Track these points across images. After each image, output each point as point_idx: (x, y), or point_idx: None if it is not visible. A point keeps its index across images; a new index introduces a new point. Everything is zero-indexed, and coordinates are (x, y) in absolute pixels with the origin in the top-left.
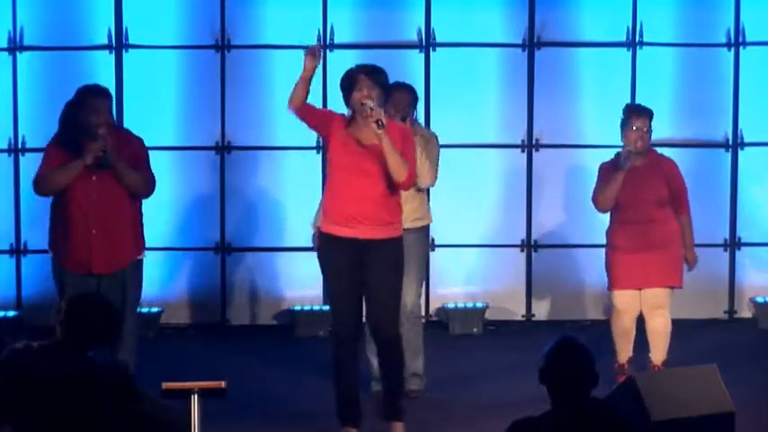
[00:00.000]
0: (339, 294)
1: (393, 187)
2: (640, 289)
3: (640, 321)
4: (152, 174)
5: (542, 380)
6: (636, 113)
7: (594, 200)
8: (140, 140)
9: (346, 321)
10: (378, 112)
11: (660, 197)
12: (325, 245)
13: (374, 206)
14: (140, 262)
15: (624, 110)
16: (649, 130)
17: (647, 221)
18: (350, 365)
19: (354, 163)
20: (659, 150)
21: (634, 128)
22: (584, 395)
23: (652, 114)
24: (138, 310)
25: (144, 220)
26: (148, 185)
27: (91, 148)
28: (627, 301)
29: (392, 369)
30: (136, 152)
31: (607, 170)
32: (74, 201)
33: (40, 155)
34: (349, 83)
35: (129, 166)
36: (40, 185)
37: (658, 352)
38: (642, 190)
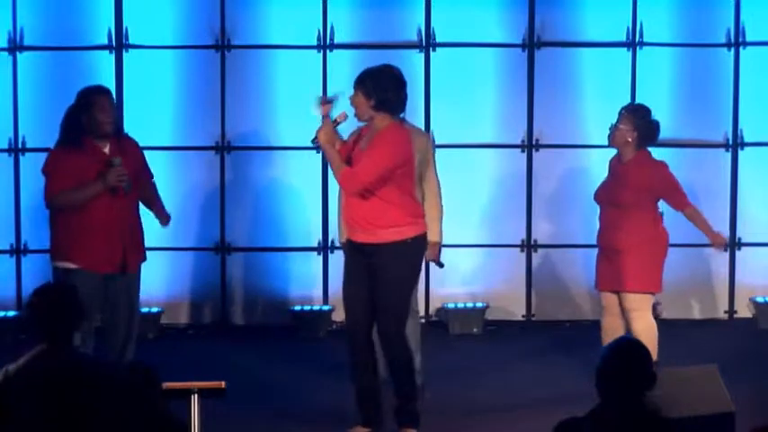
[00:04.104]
0: (347, 295)
1: (385, 191)
2: (615, 291)
3: None
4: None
5: (598, 378)
6: (619, 112)
7: None
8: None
9: (355, 321)
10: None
11: (618, 200)
12: (344, 248)
13: (361, 210)
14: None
15: None
16: (628, 128)
17: (606, 224)
18: (363, 365)
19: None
20: (660, 150)
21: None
22: (639, 395)
23: (632, 111)
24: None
25: (144, 220)
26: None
27: (109, 179)
28: (609, 299)
29: (395, 369)
30: (138, 153)
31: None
32: (98, 206)
33: (41, 155)
34: None
35: (139, 168)
36: (54, 203)
37: None
38: (607, 191)
